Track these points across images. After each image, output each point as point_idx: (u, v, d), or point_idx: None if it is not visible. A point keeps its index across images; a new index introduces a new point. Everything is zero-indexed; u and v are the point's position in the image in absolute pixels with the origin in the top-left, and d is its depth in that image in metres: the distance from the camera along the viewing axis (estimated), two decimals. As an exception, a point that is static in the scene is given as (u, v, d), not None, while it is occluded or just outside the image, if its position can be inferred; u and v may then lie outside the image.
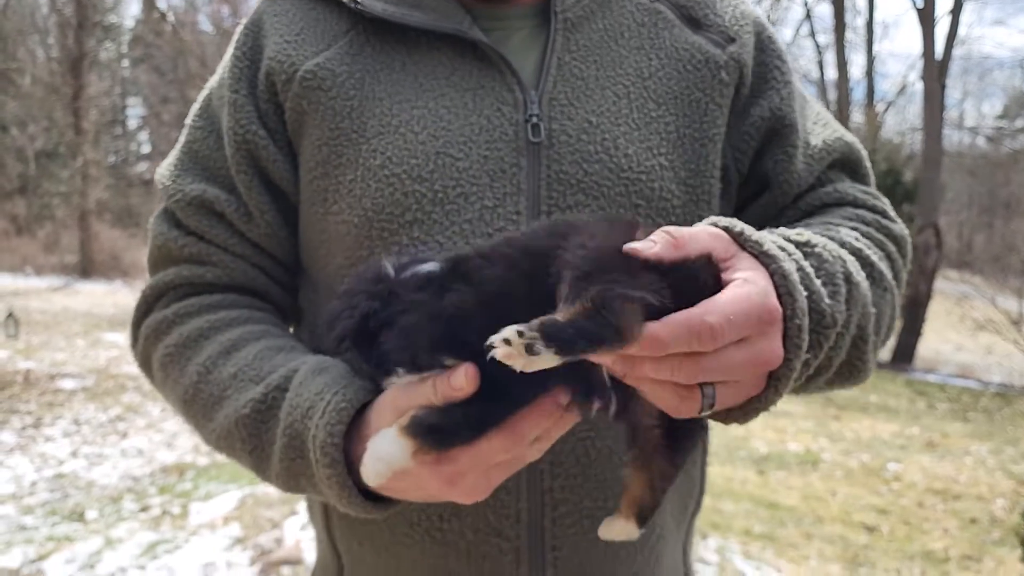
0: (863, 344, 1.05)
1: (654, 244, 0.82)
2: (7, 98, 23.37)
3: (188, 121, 1.34)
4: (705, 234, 0.87)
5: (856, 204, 1.27)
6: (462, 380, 0.85)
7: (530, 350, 0.71)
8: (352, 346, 0.95)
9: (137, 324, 1.30)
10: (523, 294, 0.84)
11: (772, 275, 0.86)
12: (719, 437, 8.38)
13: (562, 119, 1.16)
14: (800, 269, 0.91)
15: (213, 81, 1.34)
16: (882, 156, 17.84)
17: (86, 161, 24.50)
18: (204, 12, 30.45)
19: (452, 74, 1.19)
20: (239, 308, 1.25)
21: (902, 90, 27.18)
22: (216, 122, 1.30)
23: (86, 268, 24.53)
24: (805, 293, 0.88)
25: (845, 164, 1.34)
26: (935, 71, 17.60)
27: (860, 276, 1.03)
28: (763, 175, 1.29)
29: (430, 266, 0.95)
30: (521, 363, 0.72)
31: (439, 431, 0.88)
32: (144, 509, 5.90)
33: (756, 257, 0.87)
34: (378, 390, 1.00)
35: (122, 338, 13.21)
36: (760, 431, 9.17)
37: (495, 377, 0.82)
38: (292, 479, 1.07)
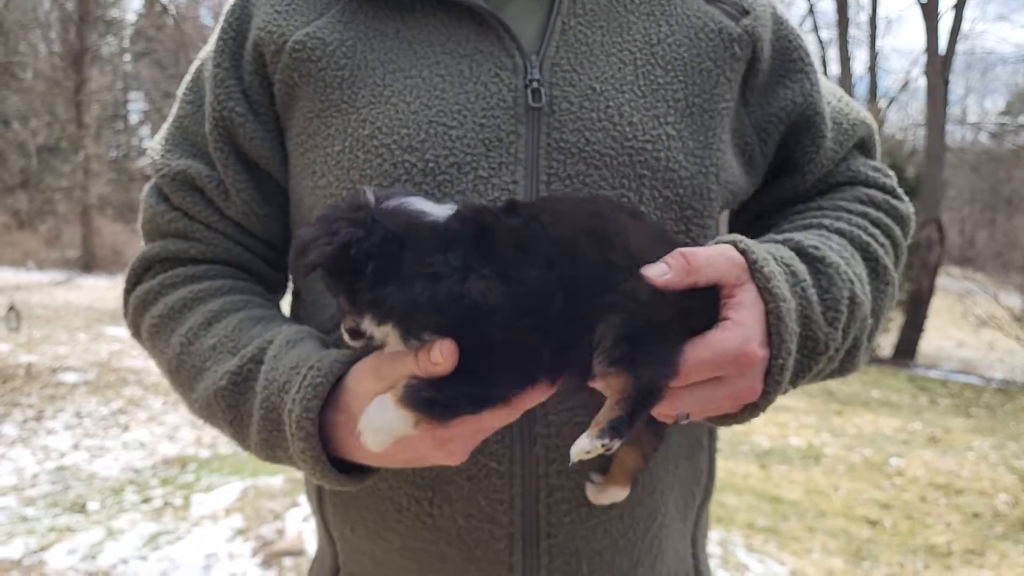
0: (856, 352, 1.11)
1: (668, 270, 0.89)
2: (9, 92, 23.34)
3: (179, 93, 1.32)
4: (722, 259, 0.94)
5: (868, 183, 1.30)
6: (439, 356, 0.87)
7: (607, 448, 0.86)
8: (327, 275, 0.92)
9: (128, 294, 1.31)
10: (557, 305, 0.88)
11: (768, 315, 0.94)
12: (721, 431, 8.35)
13: (564, 85, 1.12)
14: (803, 299, 0.99)
15: (205, 50, 1.32)
16: (884, 152, 17.78)
17: (88, 156, 24.50)
18: (206, 6, 30.41)
19: (448, 40, 1.16)
20: (222, 278, 1.26)
21: (905, 86, 27.09)
22: (202, 95, 1.28)
23: (88, 262, 24.55)
24: (798, 329, 0.97)
25: (861, 143, 1.35)
26: (938, 67, 17.56)
27: (865, 294, 1.08)
28: (789, 159, 1.28)
29: (437, 214, 0.91)
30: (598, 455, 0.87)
31: (440, 404, 0.89)
32: (146, 500, 5.90)
33: (761, 291, 0.95)
34: (352, 358, 1.02)
35: (124, 332, 13.19)
36: (762, 426, 9.16)
37: (483, 354, 0.88)
38: (269, 450, 1.08)
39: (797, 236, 1.09)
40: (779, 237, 1.10)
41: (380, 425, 0.92)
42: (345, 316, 0.96)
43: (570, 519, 1.14)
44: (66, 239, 26.59)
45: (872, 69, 24.05)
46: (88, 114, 26.14)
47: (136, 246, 1.32)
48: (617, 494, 1.13)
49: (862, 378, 12.94)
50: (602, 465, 1.15)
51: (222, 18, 1.27)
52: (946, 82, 18.40)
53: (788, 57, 1.27)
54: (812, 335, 0.99)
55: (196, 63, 1.32)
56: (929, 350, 17.37)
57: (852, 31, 23.46)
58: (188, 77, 1.32)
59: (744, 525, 5.93)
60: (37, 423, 8.00)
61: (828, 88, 1.34)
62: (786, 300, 0.95)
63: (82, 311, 15.56)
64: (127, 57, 34.19)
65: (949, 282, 18.37)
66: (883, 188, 1.30)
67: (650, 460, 1.13)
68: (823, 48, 26.32)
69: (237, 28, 1.24)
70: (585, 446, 0.86)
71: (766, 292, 0.94)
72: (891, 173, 1.34)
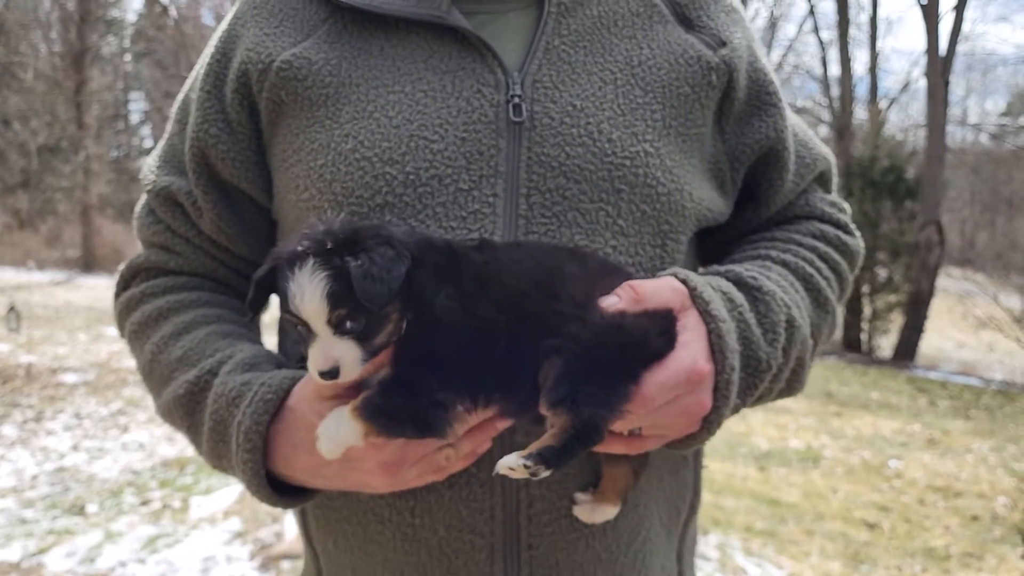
0: (801, 370, 1.21)
1: (619, 300, 0.99)
2: (9, 92, 23.32)
3: (171, 112, 1.38)
4: (666, 288, 1.04)
5: (822, 219, 1.39)
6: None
7: (532, 473, 0.90)
8: (312, 256, 0.92)
9: (116, 298, 1.40)
10: (503, 346, 0.97)
11: (709, 334, 1.03)
12: (720, 434, 8.34)
13: (545, 101, 1.15)
14: (741, 321, 1.09)
15: (195, 69, 1.35)
16: (885, 153, 17.80)
17: (88, 156, 24.51)
18: (206, 6, 30.38)
19: (430, 57, 1.18)
20: (199, 291, 1.33)
21: (905, 87, 27.09)
22: (185, 115, 1.34)
23: (88, 262, 24.57)
24: (739, 347, 1.07)
25: (820, 176, 1.44)
26: (939, 68, 17.56)
27: (803, 317, 1.18)
28: (753, 190, 1.35)
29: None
30: (522, 477, 0.91)
31: (386, 415, 0.95)
32: (145, 503, 5.90)
33: (701, 314, 1.04)
34: (295, 376, 1.09)
35: (124, 332, 13.20)
36: (761, 428, 9.17)
37: (431, 370, 0.96)
38: (216, 459, 1.16)
39: (737, 268, 1.19)
40: (721, 269, 1.20)
41: (333, 434, 0.97)
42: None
43: (551, 531, 1.14)
44: (66, 239, 26.61)
45: (872, 70, 24.05)
46: (89, 114, 26.16)
47: (136, 247, 1.41)
48: (607, 512, 1.14)
49: (861, 379, 12.95)
50: (589, 483, 1.15)
51: (213, 39, 1.31)
52: (946, 83, 18.39)
53: (763, 90, 1.31)
54: (754, 354, 1.09)
55: (188, 82, 1.36)
56: (929, 351, 17.37)
57: (852, 32, 23.45)
58: (180, 95, 1.37)
59: (742, 528, 5.93)
60: (37, 424, 8.01)
61: (794, 122, 1.40)
62: (725, 321, 1.05)
63: (82, 311, 15.57)
64: (128, 57, 34.20)
65: (949, 283, 18.36)
66: (836, 224, 1.39)
67: (641, 477, 1.17)
68: (823, 49, 26.32)
69: (223, 51, 1.28)
70: (510, 462, 0.90)
71: (706, 314, 1.04)
72: (846, 208, 1.44)
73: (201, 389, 1.16)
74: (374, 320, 0.93)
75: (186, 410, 1.18)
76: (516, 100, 1.14)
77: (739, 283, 1.15)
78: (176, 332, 1.25)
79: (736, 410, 1.11)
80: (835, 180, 1.48)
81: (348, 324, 0.92)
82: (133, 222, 1.41)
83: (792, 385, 1.22)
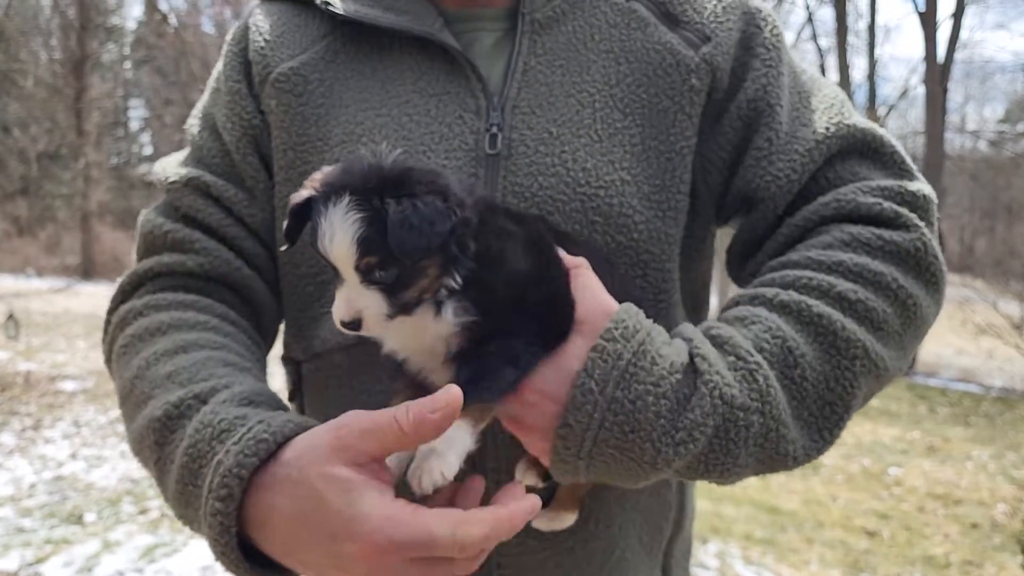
0: (779, 457, 0.96)
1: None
2: (9, 99, 23.39)
3: (187, 126, 1.34)
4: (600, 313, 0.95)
5: (854, 217, 1.08)
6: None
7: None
8: (349, 193, 0.85)
9: (110, 314, 1.21)
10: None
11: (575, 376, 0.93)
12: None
13: (522, 128, 1.14)
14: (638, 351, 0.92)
15: (210, 81, 1.35)
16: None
17: (88, 163, 24.54)
18: (206, 14, 30.51)
19: (419, 79, 1.18)
20: (210, 313, 1.17)
21: (904, 94, 27.09)
22: (209, 116, 1.31)
23: (87, 269, 24.55)
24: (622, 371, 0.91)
25: (863, 151, 1.15)
26: (937, 75, 17.59)
27: (774, 383, 0.94)
28: (743, 183, 1.17)
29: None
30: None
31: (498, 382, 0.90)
32: (143, 512, 5.89)
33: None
34: (307, 424, 0.91)
35: (123, 340, 13.18)
36: (761, 435, 9.13)
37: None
38: (182, 506, 0.94)
39: (694, 343, 0.97)
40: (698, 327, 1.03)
41: (452, 453, 0.85)
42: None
43: (519, 550, 1.13)
44: (66, 246, 26.60)
45: (871, 77, 24.08)
46: (88, 121, 26.19)
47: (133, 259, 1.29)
48: (566, 519, 1.12)
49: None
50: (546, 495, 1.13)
51: (226, 44, 1.32)
52: (945, 90, 18.42)
53: (742, 72, 1.19)
54: (639, 443, 0.90)
55: (205, 96, 1.35)
56: (928, 358, 17.34)
57: (851, 39, 23.49)
58: (199, 109, 1.34)
59: (742, 536, 5.92)
60: (35, 432, 7.99)
61: (820, 94, 1.21)
62: (613, 339, 0.91)
63: (81, 318, 15.55)
64: (127, 64, 34.27)
65: (948, 290, 17.87)
66: (876, 219, 1.07)
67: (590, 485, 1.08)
68: (822, 56, 26.35)
69: (240, 57, 1.28)
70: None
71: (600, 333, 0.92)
72: (909, 191, 1.10)
73: (181, 414, 0.96)
74: (407, 273, 0.85)
75: (158, 437, 0.96)
76: (494, 130, 1.13)
77: (691, 355, 0.95)
78: (172, 350, 1.07)
79: (631, 478, 0.95)
80: (896, 154, 1.15)
81: (377, 274, 0.84)
82: (138, 234, 1.26)
83: (771, 466, 0.98)
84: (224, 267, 1.22)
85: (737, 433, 0.92)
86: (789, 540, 5.95)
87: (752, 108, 1.16)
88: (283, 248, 1.00)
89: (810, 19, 25.67)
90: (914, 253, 1.05)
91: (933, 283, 1.08)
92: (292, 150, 1.20)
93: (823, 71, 25.57)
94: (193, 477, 0.91)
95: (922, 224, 1.07)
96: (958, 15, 18.65)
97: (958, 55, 19.69)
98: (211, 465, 0.88)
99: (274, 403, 1.00)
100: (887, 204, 1.07)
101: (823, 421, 0.99)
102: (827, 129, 1.14)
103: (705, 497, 6.60)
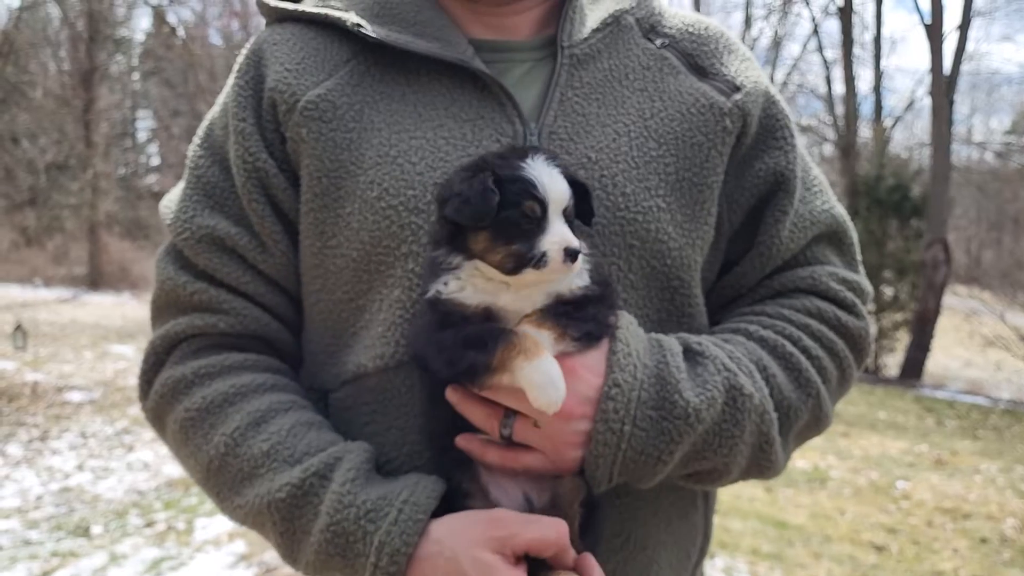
0: (768, 448, 1.15)
1: None
2: (19, 110, 23.48)
3: (190, 154, 1.31)
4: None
5: (823, 296, 1.30)
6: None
7: None
8: (537, 150, 1.04)
9: (148, 378, 1.26)
10: None
11: (609, 352, 1.06)
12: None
13: (561, 153, 1.16)
14: (661, 362, 1.07)
15: (214, 111, 1.32)
16: (890, 171, 17.78)
17: (96, 173, 24.63)
18: (214, 26, 30.62)
19: (452, 104, 1.19)
20: (261, 371, 1.23)
21: (910, 105, 27.08)
22: (219, 152, 1.28)
23: (95, 280, 24.60)
24: (645, 378, 1.06)
25: (831, 237, 1.36)
26: (943, 86, 17.58)
27: (759, 390, 1.12)
28: (753, 233, 1.30)
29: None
30: None
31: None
32: (149, 524, 5.89)
33: (609, 339, 1.08)
34: (439, 491, 1.07)
35: (130, 350, 13.22)
36: (768, 448, 9.08)
37: None
38: (324, 570, 1.08)
39: (689, 336, 1.16)
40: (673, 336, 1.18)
41: (549, 378, 0.96)
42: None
43: None
44: (73, 256, 26.68)
45: (877, 89, 24.07)
46: (97, 132, 26.30)
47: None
48: None
49: (868, 399, 12.87)
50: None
51: (234, 75, 1.28)
52: (951, 102, 18.39)
53: (772, 135, 1.31)
54: (669, 396, 1.05)
55: (204, 123, 1.33)
56: (936, 370, 17.26)
57: (856, 51, 23.50)
58: (197, 139, 1.32)
59: (749, 551, 5.89)
60: (42, 443, 8.01)
61: (811, 175, 1.37)
62: (627, 344, 1.06)
63: (88, 328, 15.59)
64: (136, 76, 34.41)
65: (955, 301, 18.28)
66: (840, 302, 1.29)
67: (575, 503, 1.13)
68: (828, 68, 26.35)
69: (253, 87, 1.25)
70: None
71: (612, 337, 1.06)
72: (861, 286, 1.34)
73: (306, 493, 1.08)
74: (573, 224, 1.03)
75: (285, 515, 1.09)
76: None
77: (685, 348, 1.13)
78: (253, 422, 1.15)
79: (657, 459, 1.06)
80: (854, 246, 1.39)
81: (569, 217, 1.02)
82: (156, 286, 1.29)
83: (759, 463, 1.16)
84: (254, 324, 1.25)
85: (743, 403, 1.09)
86: (797, 555, 5.92)
87: (779, 175, 1.28)
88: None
89: (816, 31, 25.69)
90: (859, 336, 1.29)
91: (861, 361, 1.32)
92: (326, 177, 1.19)
93: (828, 83, 25.58)
94: (340, 551, 1.05)
95: (866, 316, 1.32)
96: (964, 27, 18.65)
97: (964, 67, 19.65)
98: (371, 544, 1.03)
99: (373, 460, 1.13)
100: (848, 294, 1.30)
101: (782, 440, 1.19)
102: (821, 213, 1.33)
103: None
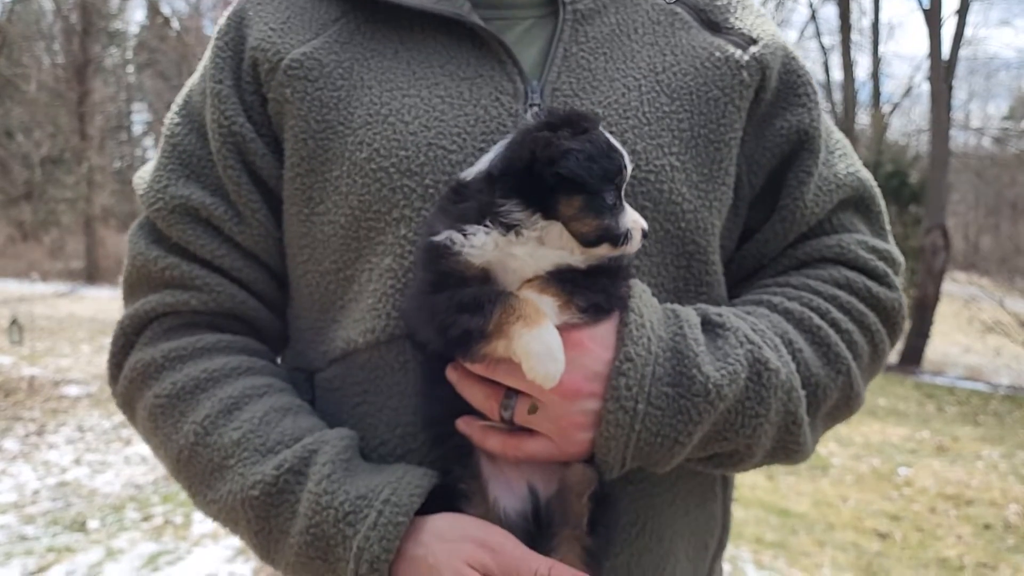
0: (795, 428, 1.05)
1: None
2: (13, 104, 23.40)
3: (166, 121, 1.25)
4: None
5: (852, 265, 1.20)
6: None
7: None
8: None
9: (118, 361, 1.20)
10: None
11: (620, 324, 0.98)
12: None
13: None
14: (678, 334, 0.99)
15: (193, 78, 1.26)
16: (888, 158, 17.74)
17: (91, 167, 24.55)
18: (208, 17, 30.47)
19: (448, 62, 1.13)
20: (236, 353, 1.16)
21: (908, 91, 27.05)
22: (197, 119, 1.21)
23: (92, 274, 24.57)
24: (661, 353, 0.97)
25: (859, 203, 1.27)
26: (941, 72, 17.50)
27: (785, 365, 1.03)
28: (775, 197, 1.22)
29: None
30: None
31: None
32: (146, 519, 5.84)
33: (620, 311, 1.00)
34: (423, 487, 0.99)
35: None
36: (769, 436, 9.06)
37: None
38: (305, 573, 1.03)
39: (708, 307, 1.08)
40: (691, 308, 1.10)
41: (547, 348, 0.88)
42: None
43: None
44: (70, 250, 26.64)
45: (875, 75, 24.02)
46: (91, 125, 26.22)
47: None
48: None
49: (868, 385, 12.86)
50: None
51: (214, 38, 1.21)
52: (949, 87, 18.32)
53: (794, 91, 1.23)
54: (687, 371, 0.96)
55: (184, 90, 1.26)
56: (935, 356, 17.25)
57: (854, 37, 23.44)
58: (175, 105, 1.25)
59: (753, 540, 5.85)
60: (39, 437, 7.96)
61: (834, 138, 1.29)
62: (641, 316, 0.97)
63: (85, 323, 15.54)
64: (130, 68, 34.32)
65: (954, 288, 18.26)
66: (870, 272, 1.20)
67: (585, 495, 1.04)
68: (825, 54, 26.30)
69: (233, 48, 1.18)
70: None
71: (624, 309, 0.98)
72: (892, 255, 1.24)
73: (281, 491, 1.01)
74: None
75: (260, 513, 1.02)
76: (535, 110, 1.08)
77: (704, 319, 1.04)
78: (224, 409, 1.08)
79: (674, 440, 0.97)
80: (883, 213, 1.29)
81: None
82: (128, 261, 1.21)
83: (786, 446, 1.07)
84: (229, 302, 1.18)
85: (769, 379, 1.00)
86: (800, 543, 5.88)
87: (803, 133, 1.20)
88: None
89: (813, 17, 25.62)
90: (892, 309, 1.20)
91: (894, 336, 1.22)
92: (312, 139, 1.12)
93: (827, 69, 25.52)
94: (320, 554, 0.99)
95: (899, 287, 1.22)
96: (962, 12, 18.56)
97: (962, 52, 19.60)
98: (349, 548, 0.96)
99: (357, 452, 1.06)
100: (879, 263, 1.21)
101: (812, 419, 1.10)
102: (846, 176, 1.24)
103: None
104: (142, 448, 7.68)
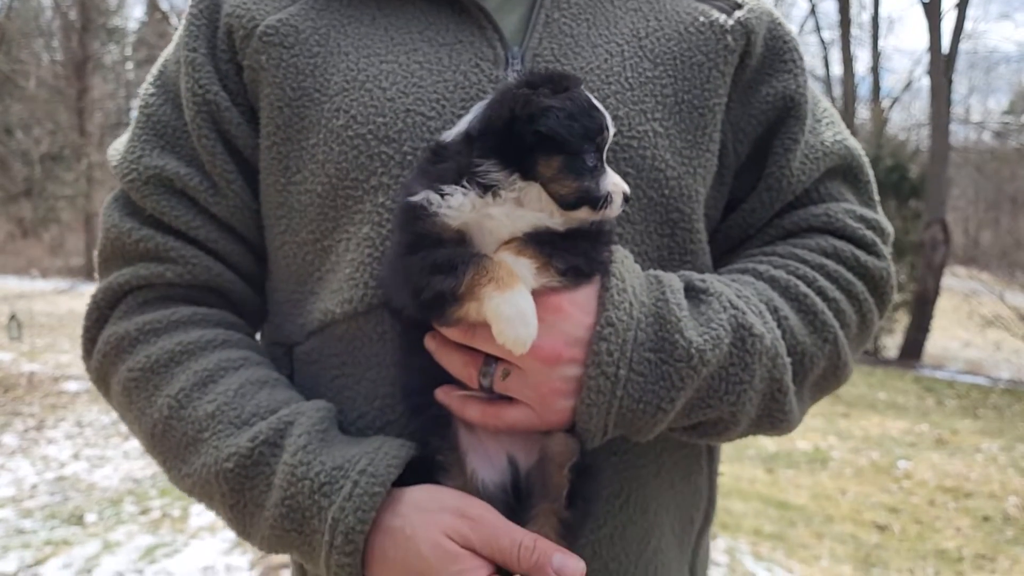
0: (781, 396, 1.04)
1: None
2: (12, 101, 23.38)
3: (141, 91, 1.23)
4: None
5: (840, 235, 1.19)
6: None
7: None
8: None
9: (91, 335, 1.18)
10: None
11: (601, 289, 0.96)
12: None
13: None
14: (660, 299, 0.97)
15: (168, 49, 1.24)
16: (888, 152, 17.71)
17: (91, 163, 24.48)
18: (207, 14, 30.39)
19: (427, 28, 1.11)
20: (212, 326, 1.14)
21: (908, 85, 27.04)
22: (172, 88, 1.19)
23: (91, 271, 24.46)
24: (643, 318, 0.96)
25: (846, 172, 1.26)
26: (941, 66, 17.47)
27: (771, 331, 1.02)
28: (761, 166, 1.21)
29: None
30: None
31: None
32: (144, 512, 5.83)
33: (602, 276, 0.98)
34: (401, 458, 0.97)
35: (126, 340, 13.16)
36: (768, 429, 9.06)
37: None
38: (280, 547, 1.01)
39: (692, 274, 1.06)
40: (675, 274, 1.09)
41: (519, 312, 0.86)
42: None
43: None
44: (69, 247, 26.63)
45: (875, 69, 23.99)
46: (91, 122, 26.19)
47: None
48: None
49: (868, 380, 12.84)
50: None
51: (189, 5, 1.20)
52: (949, 81, 18.30)
53: (780, 57, 1.22)
54: (669, 336, 0.95)
55: (159, 61, 1.25)
56: (935, 350, 17.25)
57: (854, 31, 23.40)
58: (150, 76, 1.24)
59: (751, 532, 5.85)
60: (38, 432, 7.96)
61: (821, 107, 1.28)
62: (623, 280, 0.96)
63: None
64: (129, 65, 34.22)
65: (954, 282, 18.25)
66: (858, 241, 1.18)
67: (566, 467, 1.02)
68: (825, 48, 26.26)
69: (208, 16, 1.17)
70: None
71: (605, 274, 0.96)
72: (880, 224, 1.23)
73: (256, 463, 0.99)
74: None
75: (235, 486, 1.00)
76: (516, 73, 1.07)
77: (687, 285, 1.03)
78: (199, 382, 1.06)
79: (656, 407, 0.95)
80: (871, 182, 1.27)
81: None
82: (102, 234, 1.19)
83: (771, 414, 1.05)
84: (204, 274, 1.16)
85: (753, 344, 0.98)
86: (799, 535, 5.88)
87: (789, 99, 1.19)
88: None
89: (813, 11, 25.58)
90: (880, 278, 1.18)
91: (883, 306, 1.21)
92: (288, 106, 1.10)
93: (826, 64, 25.48)
94: (296, 526, 0.97)
95: (888, 256, 1.21)
96: (962, 6, 18.53)
97: (962, 46, 19.58)
98: (324, 520, 0.94)
99: (336, 424, 1.04)
100: (867, 232, 1.19)
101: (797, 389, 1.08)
102: (833, 144, 1.23)
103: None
104: (141, 443, 7.68)
